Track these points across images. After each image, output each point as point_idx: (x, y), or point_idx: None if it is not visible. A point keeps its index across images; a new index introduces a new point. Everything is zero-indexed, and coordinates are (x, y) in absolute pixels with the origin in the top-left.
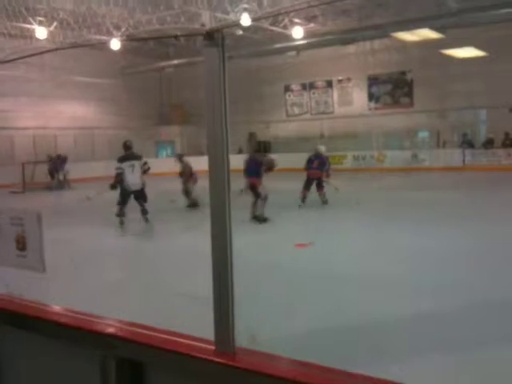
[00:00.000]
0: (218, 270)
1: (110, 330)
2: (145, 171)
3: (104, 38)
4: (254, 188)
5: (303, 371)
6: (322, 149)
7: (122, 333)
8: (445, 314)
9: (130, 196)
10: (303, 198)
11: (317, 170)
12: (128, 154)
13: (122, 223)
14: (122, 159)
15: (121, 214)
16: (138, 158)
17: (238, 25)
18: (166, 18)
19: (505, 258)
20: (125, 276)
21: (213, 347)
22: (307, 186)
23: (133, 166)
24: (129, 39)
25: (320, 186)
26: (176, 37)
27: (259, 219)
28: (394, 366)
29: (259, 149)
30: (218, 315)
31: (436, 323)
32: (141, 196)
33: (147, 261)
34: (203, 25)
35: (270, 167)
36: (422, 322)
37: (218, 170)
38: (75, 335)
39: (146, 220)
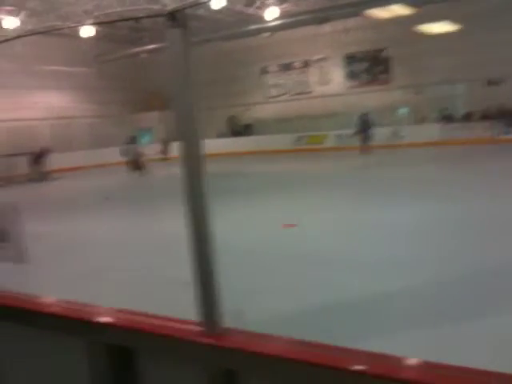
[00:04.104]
0: (198, 253)
1: (98, 317)
2: None
3: (69, 24)
4: None
5: (292, 348)
6: None
7: (109, 319)
8: (422, 289)
9: None
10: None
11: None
12: None
13: None
14: None
15: None
16: None
17: (201, 4)
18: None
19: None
20: None
21: (200, 329)
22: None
23: None
24: (92, 23)
25: None
26: (137, 19)
27: None
28: (378, 343)
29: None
30: (202, 297)
31: (416, 299)
32: None
33: None
34: (165, 5)
35: None
36: (400, 298)
37: (190, 155)
38: (64, 324)
39: None
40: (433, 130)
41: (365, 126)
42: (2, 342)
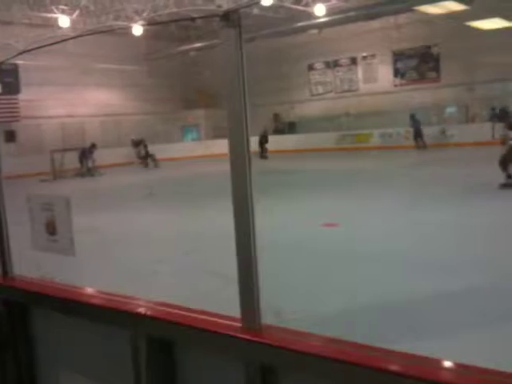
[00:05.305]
0: (242, 249)
1: (140, 309)
2: None
3: (124, 23)
4: None
5: (331, 347)
6: None
7: (151, 312)
8: (471, 291)
9: None
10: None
11: None
12: None
13: None
14: None
15: None
16: None
17: (255, 3)
18: (183, 0)
19: None
20: None
21: (239, 324)
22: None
23: None
24: (147, 24)
25: None
26: (193, 19)
27: None
28: (427, 343)
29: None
30: (243, 293)
31: (463, 300)
32: None
33: None
34: (220, 6)
35: None
36: (450, 298)
37: (239, 152)
38: (107, 315)
39: None
40: (482, 130)
41: (417, 125)
42: (49, 330)
